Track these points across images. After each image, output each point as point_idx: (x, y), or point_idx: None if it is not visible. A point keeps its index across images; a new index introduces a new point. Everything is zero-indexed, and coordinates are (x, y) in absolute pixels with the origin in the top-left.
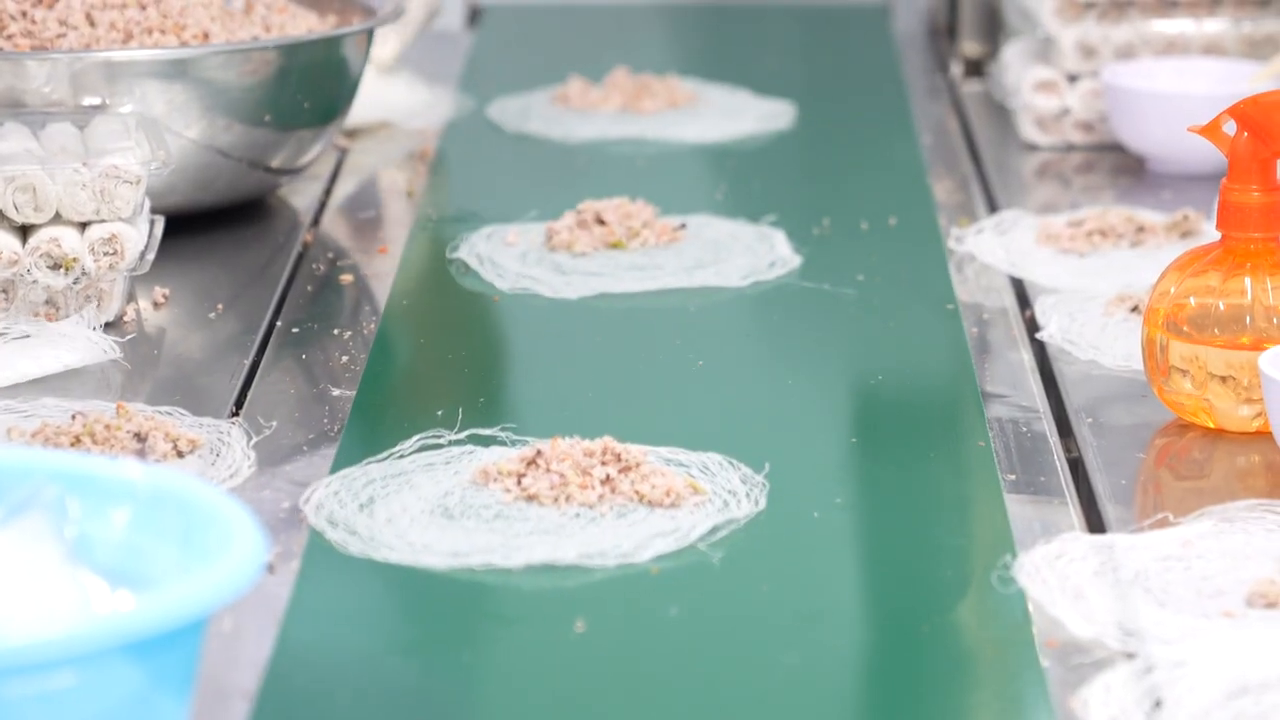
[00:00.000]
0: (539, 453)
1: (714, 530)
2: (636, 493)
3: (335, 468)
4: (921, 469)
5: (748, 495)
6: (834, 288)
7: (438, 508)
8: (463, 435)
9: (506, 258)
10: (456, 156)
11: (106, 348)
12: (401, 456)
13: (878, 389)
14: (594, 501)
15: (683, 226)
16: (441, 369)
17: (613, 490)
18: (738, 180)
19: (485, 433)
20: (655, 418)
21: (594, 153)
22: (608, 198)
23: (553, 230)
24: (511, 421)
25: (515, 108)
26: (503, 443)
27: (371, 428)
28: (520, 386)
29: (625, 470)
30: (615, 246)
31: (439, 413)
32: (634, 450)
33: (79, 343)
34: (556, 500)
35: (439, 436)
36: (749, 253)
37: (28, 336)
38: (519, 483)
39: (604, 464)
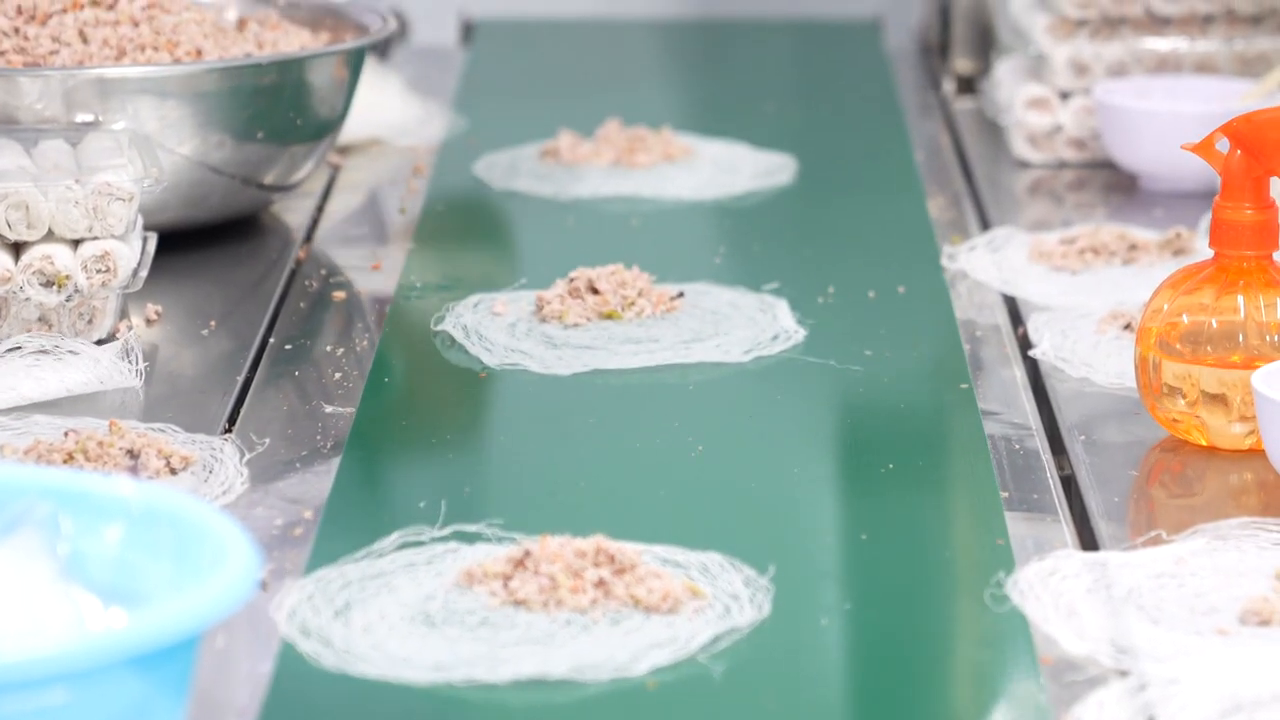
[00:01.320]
0: (527, 553)
1: (715, 640)
2: (632, 597)
3: (311, 566)
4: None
5: (751, 600)
6: (840, 364)
7: (418, 614)
8: (446, 532)
9: (494, 329)
10: (443, 217)
11: (125, 371)
12: (380, 555)
13: (889, 478)
14: (586, 607)
15: (680, 295)
16: (424, 453)
17: (606, 594)
18: (737, 239)
19: (470, 529)
20: (651, 511)
21: (585, 212)
22: (601, 260)
23: (543, 300)
24: (498, 514)
25: (503, 163)
26: (489, 539)
27: (349, 520)
28: (508, 473)
29: (619, 572)
30: (609, 317)
31: (421, 504)
32: (629, 550)
33: (101, 365)
34: (546, 605)
35: (420, 533)
36: (750, 324)
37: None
38: (506, 585)
39: (597, 566)
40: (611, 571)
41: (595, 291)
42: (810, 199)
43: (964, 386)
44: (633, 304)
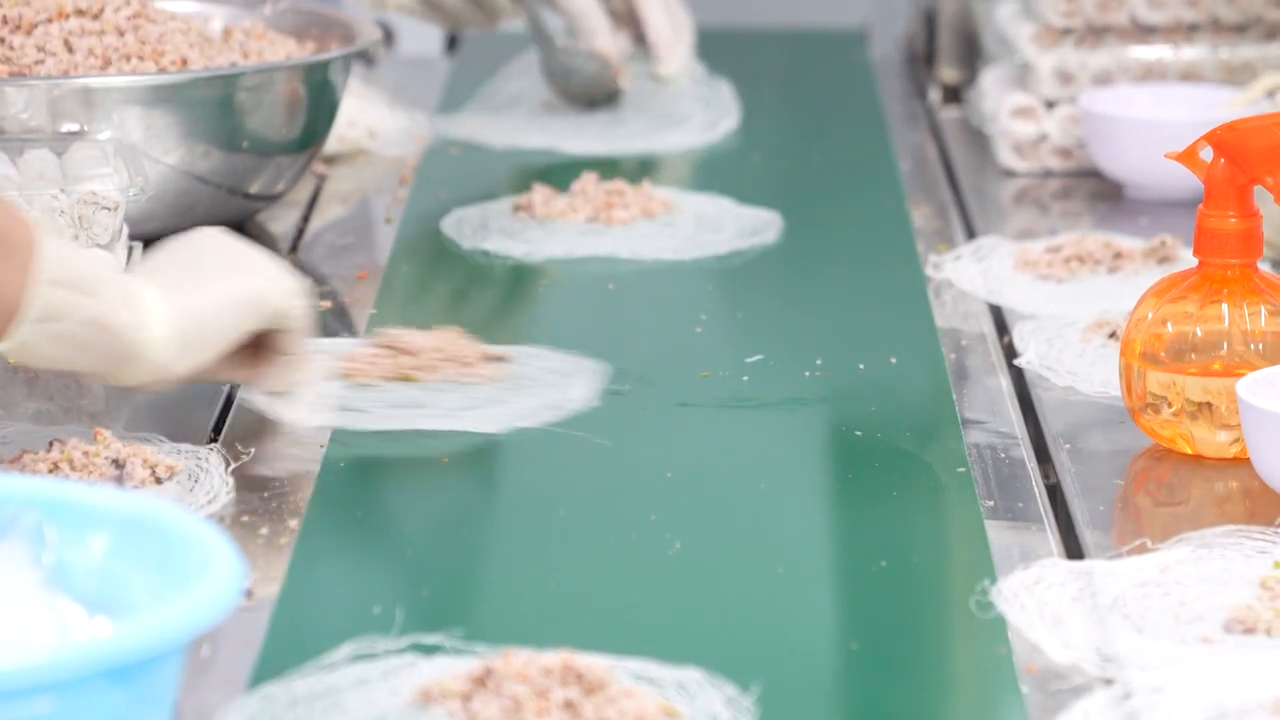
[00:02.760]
0: (489, 670)
1: None
2: None
3: (255, 681)
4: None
5: None
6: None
7: None
8: (402, 644)
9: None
10: (408, 279)
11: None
12: (331, 669)
13: (881, 577)
14: None
15: (501, 359)
16: (380, 552)
17: (575, 716)
18: (722, 299)
19: (428, 640)
20: (624, 619)
21: (559, 273)
22: (576, 326)
23: (349, 358)
24: (459, 622)
25: (474, 219)
26: (448, 652)
27: (299, 628)
28: (469, 575)
29: (589, 692)
30: (406, 379)
31: (375, 610)
32: (598, 667)
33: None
34: None
35: (373, 645)
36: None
37: None
38: (466, 706)
39: (564, 685)
40: (580, 691)
41: (406, 352)
42: (797, 258)
43: (960, 470)
44: (436, 368)
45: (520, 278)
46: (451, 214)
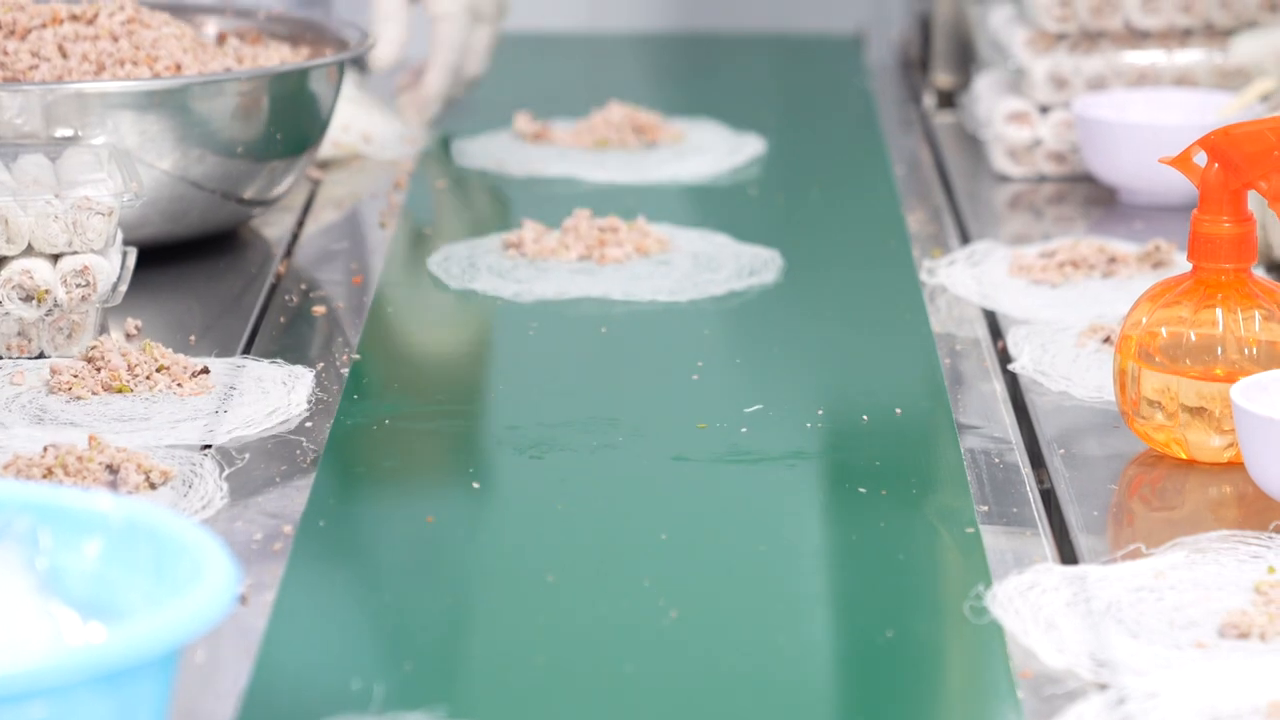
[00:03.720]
0: None
1: None
2: None
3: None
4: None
5: None
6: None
7: None
8: None
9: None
10: (392, 320)
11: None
12: None
13: (887, 649)
14: None
15: (204, 371)
16: (360, 615)
17: None
18: (719, 343)
19: (409, 719)
20: (616, 694)
21: (550, 315)
22: (567, 372)
23: (56, 370)
24: (442, 699)
25: (461, 256)
26: None
27: (277, 698)
28: (453, 646)
29: None
30: (120, 391)
31: (354, 686)
32: None
33: None
34: None
35: None
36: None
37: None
38: None
39: None
40: None
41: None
42: (796, 295)
43: (969, 530)
44: (149, 378)
45: (510, 320)
46: (439, 251)
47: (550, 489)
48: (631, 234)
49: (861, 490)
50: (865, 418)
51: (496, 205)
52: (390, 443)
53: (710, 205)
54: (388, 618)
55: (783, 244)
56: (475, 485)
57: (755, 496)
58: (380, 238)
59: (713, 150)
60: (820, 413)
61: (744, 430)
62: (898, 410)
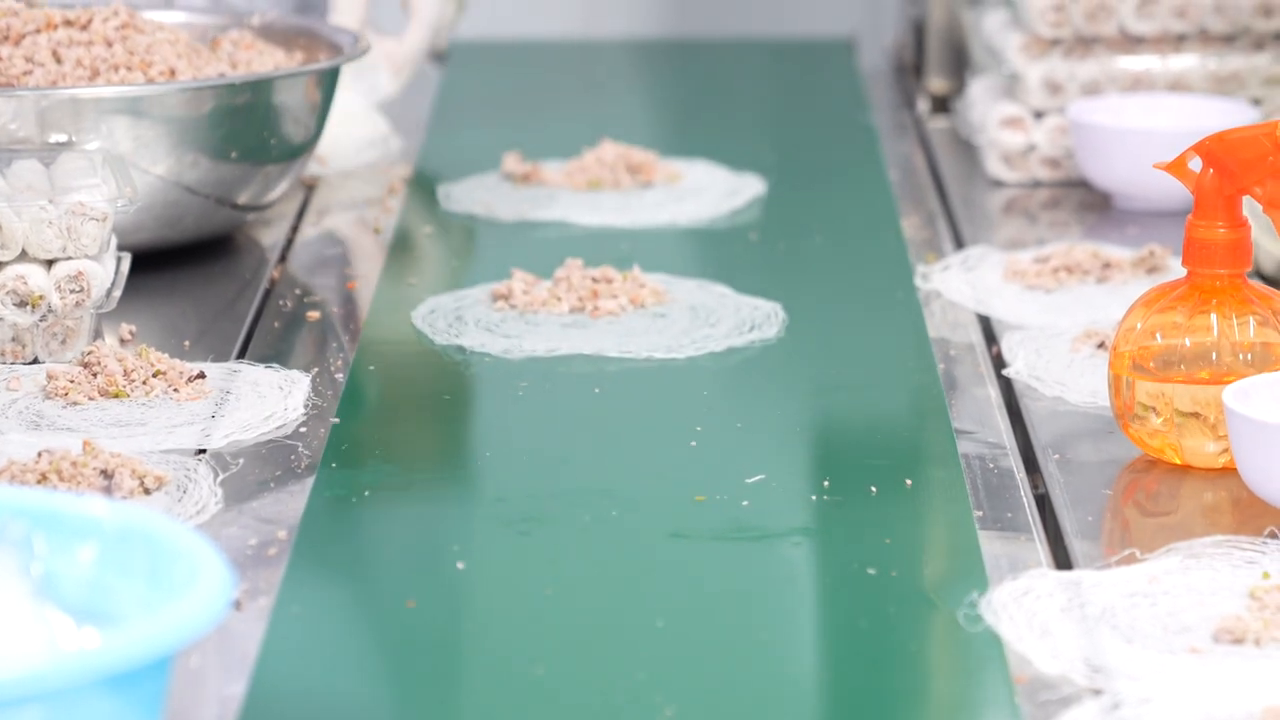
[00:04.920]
0: None
1: None
2: None
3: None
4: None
5: None
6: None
7: None
8: None
9: None
10: (375, 379)
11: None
12: None
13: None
14: None
15: (200, 376)
16: (342, 682)
17: None
18: (719, 404)
19: None
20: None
21: (539, 374)
22: (557, 437)
23: (52, 375)
24: None
25: (448, 309)
26: None
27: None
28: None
29: None
30: (116, 396)
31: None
32: None
33: None
34: None
35: None
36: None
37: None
38: None
39: None
40: None
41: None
42: (797, 350)
43: (974, 608)
44: (145, 383)
45: (497, 378)
46: (424, 303)
47: (539, 570)
48: (626, 285)
49: (871, 571)
50: (874, 489)
51: (484, 253)
52: (369, 517)
53: (709, 251)
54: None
55: (784, 294)
56: (459, 565)
57: (757, 579)
58: (375, 243)
59: (710, 190)
60: (826, 484)
61: (745, 503)
62: (908, 481)
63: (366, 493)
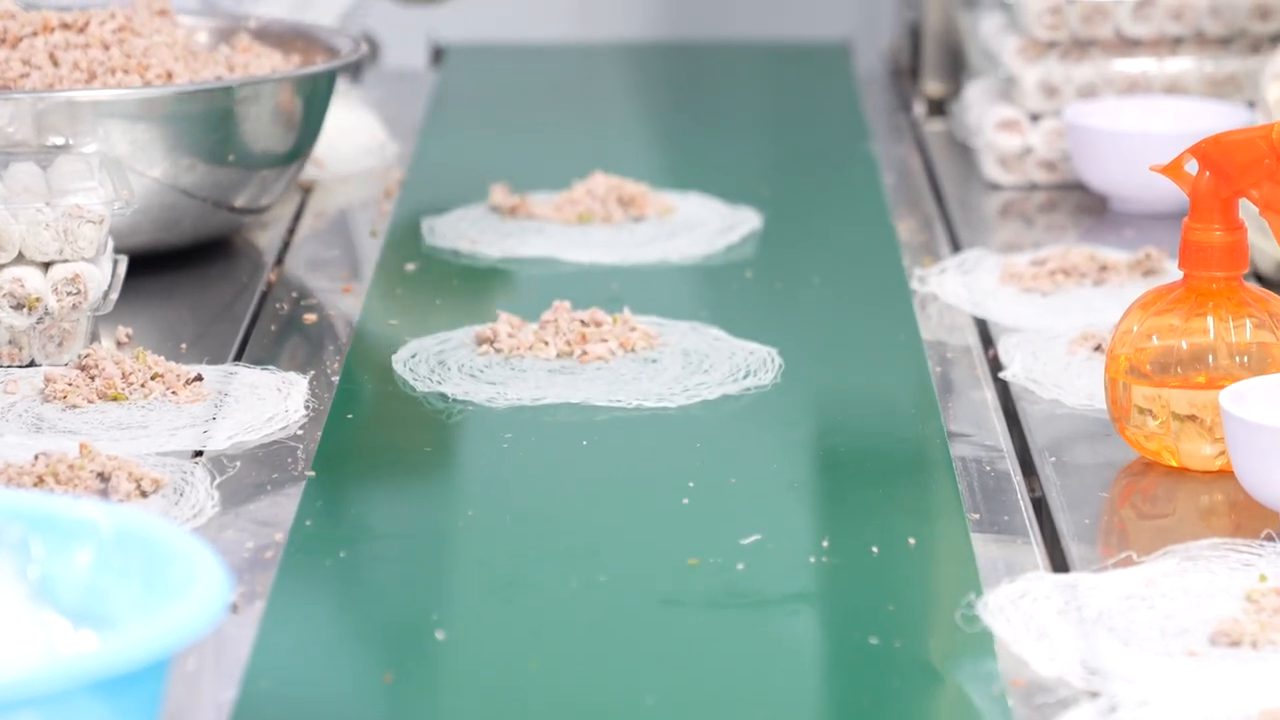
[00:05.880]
0: None
1: None
2: None
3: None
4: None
5: None
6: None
7: None
8: None
9: None
10: (353, 430)
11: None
12: None
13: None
14: None
15: (198, 379)
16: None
17: None
18: (713, 457)
19: None
20: None
21: (524, 425)
22: (542, 494)
23: (50, 378)
24: None
25: (430, 354)
26: None
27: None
28: None
29: None
30: (115, 399)
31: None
32: None
33: None
34: None
35: None
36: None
37: None
38: None
39: None
40: None
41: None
42: (795, 397)
43: (978, 659)
44: (143, 386)
45: (481, 429)
46: (406, 346)
47: (523, 642)
48: (616, 328)
49: (874, 641)
50: (875, 549)
51: (469, 292)
52: (345, 581)
53: (703, 290)
54: None
55: (781, 337)
56: (439, 635)
57: (753, 651)
58: (371, 246)
59: (704, 225)
60: (825, 543)
61: (740, 566)
62: (911, 540)
63: (342, 554)
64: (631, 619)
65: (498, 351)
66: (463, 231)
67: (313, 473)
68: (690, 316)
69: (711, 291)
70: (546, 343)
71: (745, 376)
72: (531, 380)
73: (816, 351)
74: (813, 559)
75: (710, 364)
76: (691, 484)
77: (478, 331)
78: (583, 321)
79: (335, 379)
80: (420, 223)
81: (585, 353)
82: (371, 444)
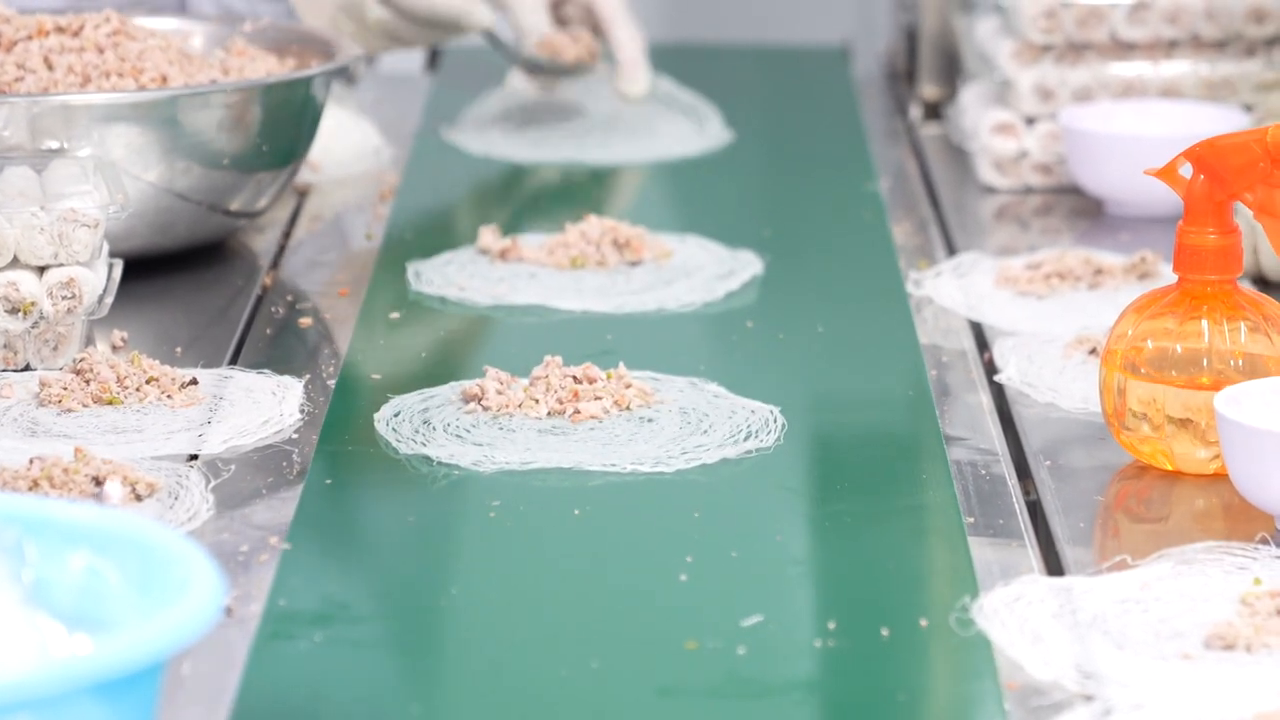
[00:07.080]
0: None
1: None
2: None
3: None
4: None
5: None
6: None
7: None
8: None
9: None
10: (327, 496)
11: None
12: None
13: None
14: None
15: (193, 382)
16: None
17: None
18: (711, 529)
19: None
20: None
21: (513, 490)
22: (529, 570)
23: (45, 383)
24: None
25: (414, 412)
26: None
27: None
28: None
29: None
30: (110, 403)
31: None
32: None
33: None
34: None
35: None
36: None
37: None
38: None
39: None
40: None
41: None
42: (800, 460)
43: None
44: (139, 390)
45: (467, 496)
46: (389, 404)
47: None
48: (610, 385)
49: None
50: (885, 631)
51: (456, 343)
52: (317, 670)
53: (701, 342)
54: None
55: (783, 394)
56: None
57: None
58: (367, 250)
59: (702, 271)
60: (832, 625)
61: (741, 651)
62: (923, 621)
63: (316, 638)
64: (625, 711)
65: (485, 409)
66: (450, 277)
67: (288, 545)
68: (688, 370)
69: (711, 343)
70: (537, 400)
71: (746, 438)
72: (521, 441)
73: (820, 408)
74: (817, 643)
75: (709, 424)
76: (689, 558)
77: (465, 389)
78: (575, 378)
79: (331, 383)
80: (405, 267)
81: (578, 411)
82: (349, 513)
